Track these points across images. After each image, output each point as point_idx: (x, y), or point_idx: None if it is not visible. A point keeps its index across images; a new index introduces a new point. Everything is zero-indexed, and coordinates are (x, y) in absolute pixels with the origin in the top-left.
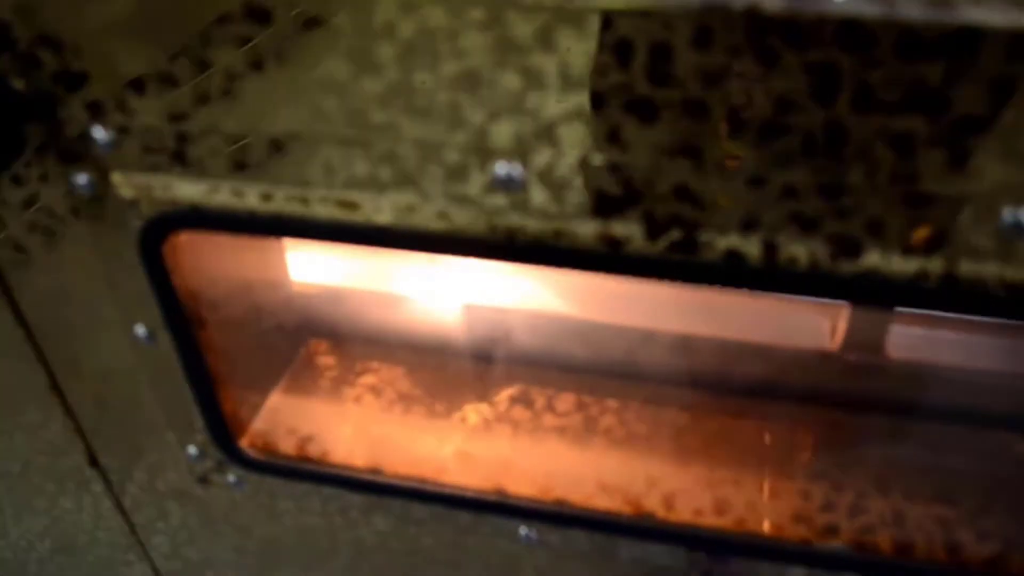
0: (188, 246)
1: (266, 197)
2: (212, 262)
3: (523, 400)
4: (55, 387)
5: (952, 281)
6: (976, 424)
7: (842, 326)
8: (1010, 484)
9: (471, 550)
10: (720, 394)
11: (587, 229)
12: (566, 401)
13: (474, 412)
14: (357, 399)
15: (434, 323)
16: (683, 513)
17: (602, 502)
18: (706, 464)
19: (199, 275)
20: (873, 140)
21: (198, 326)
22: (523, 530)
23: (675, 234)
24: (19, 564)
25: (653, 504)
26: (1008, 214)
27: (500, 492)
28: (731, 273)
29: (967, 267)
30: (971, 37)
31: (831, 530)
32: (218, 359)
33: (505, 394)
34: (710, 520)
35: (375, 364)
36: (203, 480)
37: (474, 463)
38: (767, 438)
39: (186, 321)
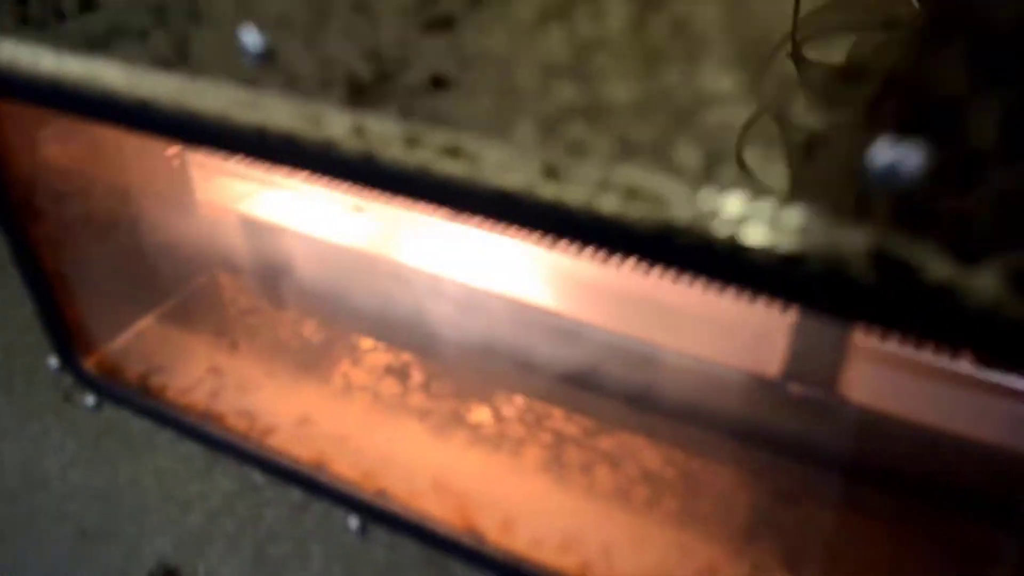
0: (24, 121)
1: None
2: (69, 151)
3: (399, 373)
4: None
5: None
6: (937, 505)
7: (784, 346)
8: None
9: (310, 532)
10: (625, 404)
11: None
12: (446, 384)
13: (341, 376)
14: (230, 341)
15: (364, 278)
16: (518, 541)
17: (430, 505)
18: (575, 488)
19: (41, 161)
20: None
21: (30, 217)
22: (352, 521)
23: None
24: None
25: (488, 523)
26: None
27: (318, 467)
28: None
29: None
30: None
31: None
32: (63, 260)
33: (382, 362)
34: (548, 556)
35: (267, 306)
36: (67, 398)
37: (309, 431)
38: (664, 470)
39: (11, 208)
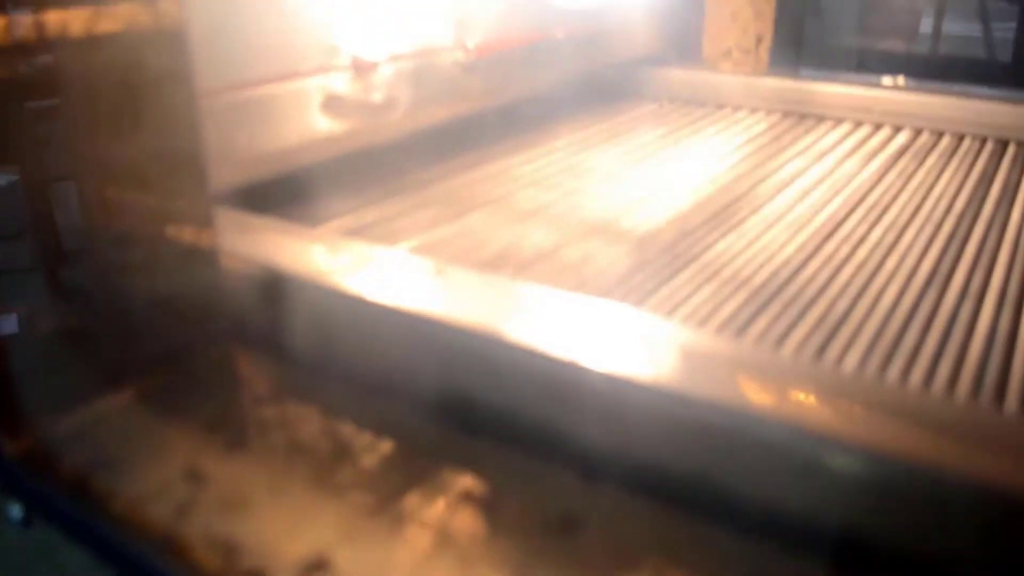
0: None
1: None
2: None
3: (483, 502)
4: None
5: None
6: None
7: None
8: None
9: None
10: None
11: None
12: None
13: (390, 500)
14: (227, 439)
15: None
16: None
17: None
18: None
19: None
20: None
21: None
22: None
23: None
24: None
25: None
26: None
27: None
28: None
29: None
30: None
31: None
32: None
33: (458, 485)
34: None
35: (295, 397)
36: None
37: None
38: None
39: None
